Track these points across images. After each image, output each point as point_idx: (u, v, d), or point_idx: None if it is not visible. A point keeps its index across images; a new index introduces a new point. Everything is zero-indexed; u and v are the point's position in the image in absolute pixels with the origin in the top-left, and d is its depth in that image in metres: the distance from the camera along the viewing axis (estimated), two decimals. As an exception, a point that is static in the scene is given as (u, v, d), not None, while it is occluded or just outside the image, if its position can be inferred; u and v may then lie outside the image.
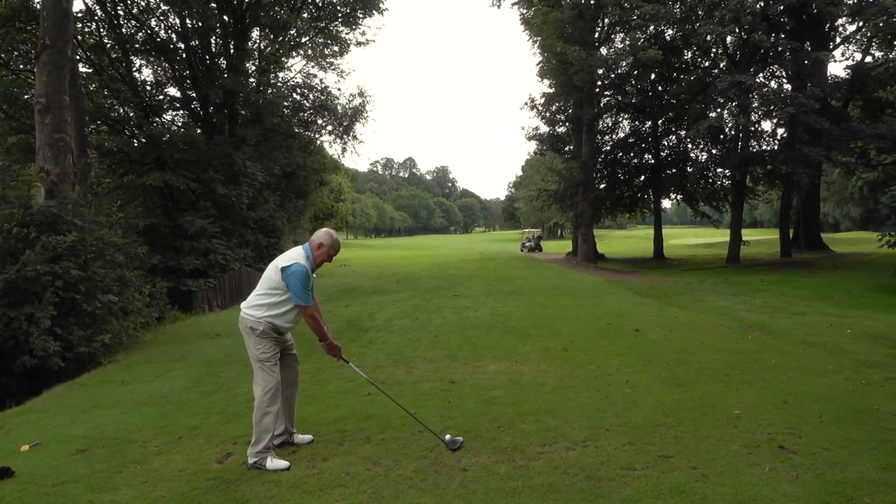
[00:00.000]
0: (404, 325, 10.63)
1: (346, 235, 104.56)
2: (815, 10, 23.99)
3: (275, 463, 4.23)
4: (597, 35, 30.78)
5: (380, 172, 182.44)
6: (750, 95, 24.25)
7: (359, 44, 27.12)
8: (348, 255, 41.22)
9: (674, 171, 32.99)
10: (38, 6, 13.49)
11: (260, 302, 4.44)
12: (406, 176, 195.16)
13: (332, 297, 15.99)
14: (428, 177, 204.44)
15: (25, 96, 17.52)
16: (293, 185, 26.11)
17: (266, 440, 4.29)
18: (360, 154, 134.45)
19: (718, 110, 27.05)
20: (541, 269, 24.79)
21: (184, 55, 21.46)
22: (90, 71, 19.56)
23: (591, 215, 32.51)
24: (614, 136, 35.75)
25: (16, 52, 18.12)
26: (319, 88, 27.25)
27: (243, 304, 4.54)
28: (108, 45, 19.85)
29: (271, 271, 4.45)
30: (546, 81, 34.00)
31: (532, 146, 38.15)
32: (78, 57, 17.18)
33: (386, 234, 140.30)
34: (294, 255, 4.44)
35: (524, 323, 10.42)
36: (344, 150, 29.12)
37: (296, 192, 26.92)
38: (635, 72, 30.65)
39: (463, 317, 11.33)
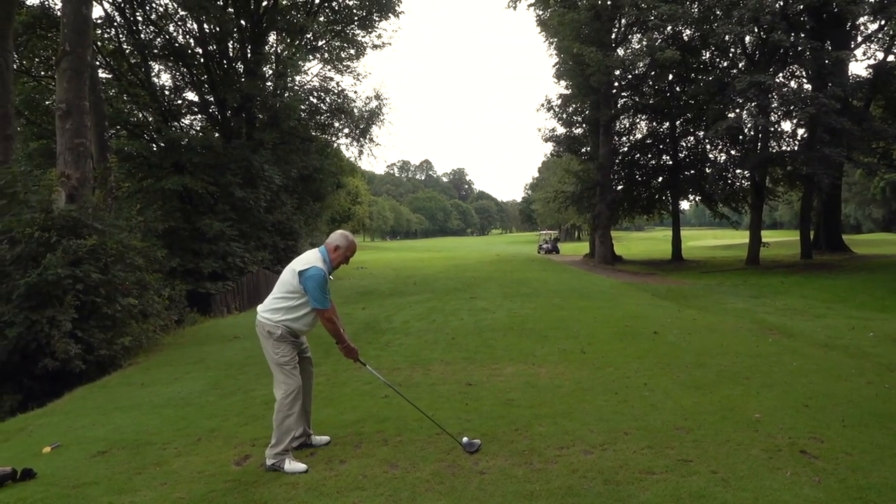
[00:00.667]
0: (421, 328, 10.63)
1: (362, 238, 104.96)
2: (836, 9, 23.67)
3: (293, 465, 4.22)
4: (614, 36, 30.64)
5: (396, 175, 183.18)
6: (769, 95, 23.97)
7: (375, 46, 27.38)
8: (365, 258, 41.38)
9: (692, 172, 32.65)
10: (59, 13, 13.71)
11: (277, 306, 4.42)
12: (422, 178, 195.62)
13: (349, 299, 16.05)
14: (444, 179, 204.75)
15: (46, 102, 17.82)
16: (310, 188, 26.26)
17: (286, 442, 4.29)
18: (376, 157, 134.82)
19: (737, 111, 26.75)
20: (558, 271, 24.69)
21: (202, 60, 21.72)
22: (110, 76, 19.86)
23: (608, 217, 32.30)
24: (632, 138, 35.55)
25: (37, 59, 18.47)
26: (336, 91, 27.47)
27: (260, 308, 4.53)
28: (128, 51, 20.15)
29: (288, 275, 4.42)
30: (562, 83, 33.98)
31: (549, 148, 38.22)
32: (98, 63, 17.45)
33: (402, 237, 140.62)
34: (311, 259, 4.40)
35: (541, 325, 10.36)
36: (360, 152, 29.31)
37: (313, 194, 27.07)
38: (653, 72, 30.48)
39: (480, 319, 11.30)
